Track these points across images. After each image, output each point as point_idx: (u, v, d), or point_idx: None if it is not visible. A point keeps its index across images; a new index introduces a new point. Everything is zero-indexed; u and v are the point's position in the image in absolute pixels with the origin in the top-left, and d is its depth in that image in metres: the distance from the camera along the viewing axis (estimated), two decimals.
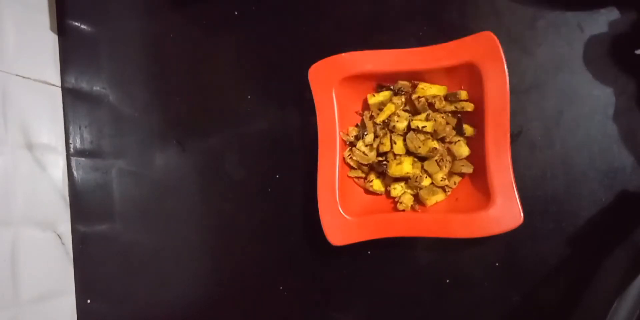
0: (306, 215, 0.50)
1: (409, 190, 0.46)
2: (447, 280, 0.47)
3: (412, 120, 0.45)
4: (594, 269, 0.42)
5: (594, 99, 0.43)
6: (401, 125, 0.45)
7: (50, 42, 0.59)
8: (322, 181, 0.46)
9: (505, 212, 0.41)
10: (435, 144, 0.45)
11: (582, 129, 0.43)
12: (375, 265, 0.49)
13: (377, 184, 0.47)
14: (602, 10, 0.43)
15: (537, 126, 0.44)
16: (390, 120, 0.46)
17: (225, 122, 0.54)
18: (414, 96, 0.45)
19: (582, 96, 0.44)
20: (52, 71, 0.59)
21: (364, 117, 0.47)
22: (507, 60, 0.41)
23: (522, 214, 0.40)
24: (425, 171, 0.45)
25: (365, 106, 0.48)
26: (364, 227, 0.45)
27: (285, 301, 0.51)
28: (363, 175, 0.48)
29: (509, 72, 0.41)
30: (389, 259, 0.48)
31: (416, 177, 0.45)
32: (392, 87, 0.46)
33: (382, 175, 0.47)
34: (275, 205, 0.52)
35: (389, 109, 0.46)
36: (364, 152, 0.46)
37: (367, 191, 0.48)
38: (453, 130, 0.45)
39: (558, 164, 0.44)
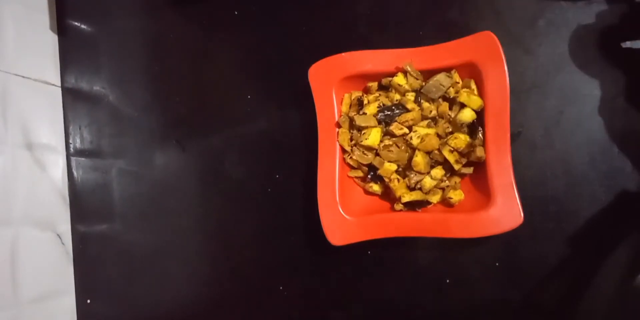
0: (306, 215, 0.50)
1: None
2: (447, 280, 0.47)
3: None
4: (594, 269, 0.42)
5: (594, 99, 0.43)
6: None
7: (50, 42, 0.59)
8: (322, 181, 0.46)
9: (505, 212, 0.41)
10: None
11: (582, 129, 0.44)
12: (375, 265, 0.49)
13: (375, 185, 0.47)
14: (603, 10, 0.43)
15: (537, 126, 0.44)
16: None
17: (225, 122, 0.54)
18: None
19: (582, 96, 0.44)
20: (52, 71, 0.58)
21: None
22: (507, 60, 0.41)
23: (522, 214, 0.40)
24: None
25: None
26: (364, 227, 0.45)
27: (285, 301, 0.51)
28: (363, 175, 0.48)
29: (509, 72, 0.41)
30: (389, 259, 0.48)
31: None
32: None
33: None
34: (275, 205, 0.52)
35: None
36: (363, 152, 0.46)
37: (367, 191, 0.48)
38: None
39: (558, 164, 0.44)
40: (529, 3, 0.45)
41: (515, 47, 0.45)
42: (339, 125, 0.47)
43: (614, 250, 0.42)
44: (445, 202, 0.45)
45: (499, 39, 0.41)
